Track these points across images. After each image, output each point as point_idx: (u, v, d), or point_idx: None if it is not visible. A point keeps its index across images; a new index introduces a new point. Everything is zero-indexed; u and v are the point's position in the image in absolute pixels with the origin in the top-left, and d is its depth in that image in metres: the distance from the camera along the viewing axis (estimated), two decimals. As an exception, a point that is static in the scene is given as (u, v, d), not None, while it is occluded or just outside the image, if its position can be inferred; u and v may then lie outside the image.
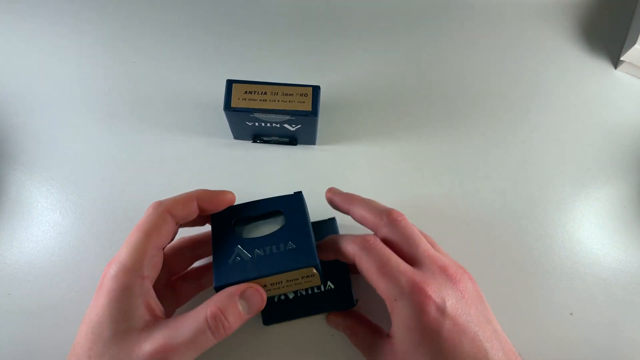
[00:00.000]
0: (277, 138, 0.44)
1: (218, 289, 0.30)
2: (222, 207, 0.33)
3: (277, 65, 0.48)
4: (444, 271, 0.30)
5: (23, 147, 0.44)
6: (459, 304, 0.29)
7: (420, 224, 0.35)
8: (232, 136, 0.44)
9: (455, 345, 0.28)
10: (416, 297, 0.28)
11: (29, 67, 0.47)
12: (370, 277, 0.30)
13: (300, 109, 0.38)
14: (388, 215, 0.33)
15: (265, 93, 0.38)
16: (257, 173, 0.44)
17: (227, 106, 0.38)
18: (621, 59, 0.48)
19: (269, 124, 0.40)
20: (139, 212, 0.43)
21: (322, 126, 0.45)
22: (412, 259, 0.31)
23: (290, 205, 0.33)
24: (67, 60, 0.47)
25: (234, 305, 0.29)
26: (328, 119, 0.46)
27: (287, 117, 0.38)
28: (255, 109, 0.38)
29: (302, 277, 0.31)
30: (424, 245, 0.32)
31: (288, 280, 0.31)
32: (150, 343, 0.27)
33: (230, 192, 0.34)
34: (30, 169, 0.43)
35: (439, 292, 0.29)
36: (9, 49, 0.47)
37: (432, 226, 0.43)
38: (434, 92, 0.48)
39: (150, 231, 0.30)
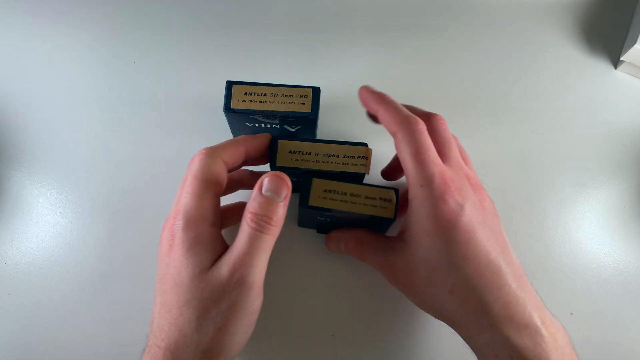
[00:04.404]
0: (277, 138, 0.44)
1: (273, 142, 0.34)
2: (263, 149, 0.35)
3: (277, 66, 0.48)
4: (468, 179, 0.31)
5: (23, 147, 0.44)
6: (477, 208, 0.30)
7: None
8: (232, 136, 0.44)
9: (470, 238, 0.29)
10: (442, 188, 0.29)
11: (29, 67, 0.47)
12: (404, 158, 0.31)
13: (300, 110, 0.38)
14: (432, 117, 0.34)
15: (265, 94, 0.38)
16: (257, 173, 0.44)
17: (227, 107, 0.38)
18: (621, 59, 0.48)
19: (269, 125, 0.40)
20: (139, 212, 0.43)
21: (322, 126, 0.45)
22: (444, 156, 0.32)
23: None
24: (67, 60, 0.47)
25: (262, 199, 0.29)
26: (328, 119, 0.46)
27: (287, 118, 0.38)
28: (255, 110, 0.38)
29: (346, 157, 0.34)
30: (456, 153, 0.33)
31: (333, 155, 0.34)
32: (223, 269, 0.29)
33: (267, 134, 0.36)
34: (30, 169, 0.43)
35: (461, 191, 0.30)
36: (9, 49, 0.47)
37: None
38: (434, 92, 0.48)
39: (210, 178, 0.31)
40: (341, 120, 0.46)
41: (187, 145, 0.45)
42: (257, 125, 0.41)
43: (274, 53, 0.48)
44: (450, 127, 0.46)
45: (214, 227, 0.30)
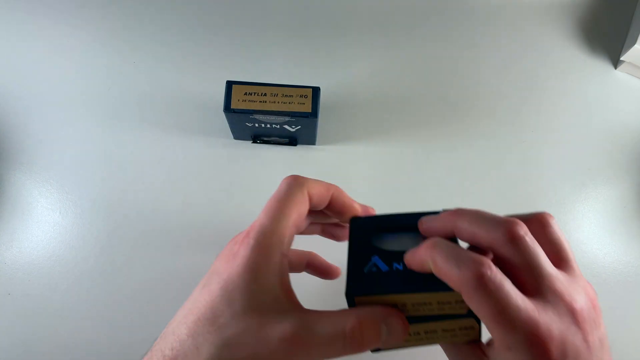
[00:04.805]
0: (277, 138, 0.44)
1: (349, 297, 0.27)
2: (348, 213, 0.31)
3: (277, 66, 0.48)
4: (571, 312, 0.24)
5: (23, 147, 0.44)
6: (581, 355, 0.23)
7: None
8: (232, 136, 0.44)
9: None
10: (535, 351, 0.22)
11: (29, 67, 0.47)
12: (481, 317, 0.24)
13: (300, 110, 0.38)
14: (507, 231, 0.25)
15: (265, 94, 0.38)
16: (257, 173, 0.44)
17: (227, 107, 0.38)
18: (621, 59, 0.48)
19: (268, 125, 0.40)
20: (138, 212, 0.43)
21: (322, 126, 0.45)
22: (532, 288, 0.24)
23: None
24: (67, 60, 0.47)
25: (376, 327, 0.25)
26: (328, 119, 0.46)
27: (287, 119, 0.38)
28: (255, 110, 0.38)
29: (441, 303, 0.26)
30: (549, 273, 0.24)
31: (423, 304, 0.27)
32: (282, 328, 0.24)
33: (368, 207, 0.31)
34: (30, 169, 0.43)
35: (561, 344, 0.23)
36: (9, 49, 0.47)
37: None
38: (434, 92, 0.48)
39: (292, 205, 0.27)
40: (341, 120, 0.46)
41: (187, 145, 0.45)
42: (257, 125, 0.41)
43: (274, 53, 0.48)
44: (451, 127, 0.47)
45: (285, 257, 0.27)
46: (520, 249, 0.24)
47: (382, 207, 0.45)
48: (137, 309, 0.41)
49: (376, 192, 0.44)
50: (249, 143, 0.45)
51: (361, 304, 0.26)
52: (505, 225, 0.25)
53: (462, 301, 0.24)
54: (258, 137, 0.44)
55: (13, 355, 0.39)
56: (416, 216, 0.29)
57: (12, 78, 0.46)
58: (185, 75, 0.47)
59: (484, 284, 0.22)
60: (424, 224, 0.28)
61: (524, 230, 0.25)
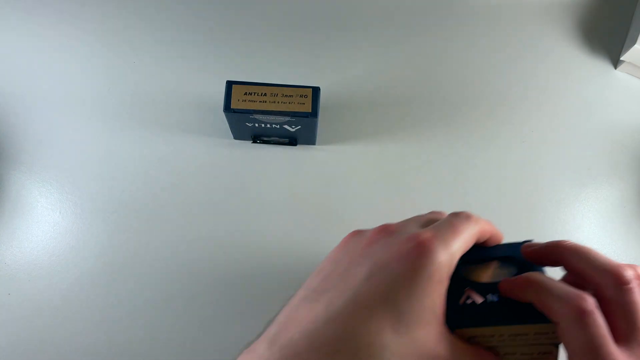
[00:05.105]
0: (277, 138, 0.44)
1: (450, 329, 0.27)
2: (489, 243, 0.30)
3: (277, 66, 0.48)
4: None
5: (23, 147, 0.44)
6: None
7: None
8: (232, 136, 0.44)
9: None
10: None
11: (29, 67, 0.47)
12: (570, 351, 0.24)
13: (300, 110, 0.38)
14: (618, 277, 0.25)
15: (265, 94, 0.38)
16: (257, 173, 0.44)
17: (227, 107, 0.38)
18: (621, 59, 0.48)
19: (268, 125, 0.40)
20: (138, 212, 0.43)
21: (322, 126, 0.45)
22: (624, 336, 0.25)
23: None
24: (67, 61, 0.47)
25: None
26: (328, 119, 0.46)
27: (287, 119, 0.38)
28: (255, 110, 0.38)
29: (538, 334, 0.27)
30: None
31: (521, 334, 0.27)
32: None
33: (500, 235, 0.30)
34: (30, 169, 0.43)
35: None
36: (9, 49, 0.47)
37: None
38: (434, 92, 0.48)
39: (469, 242, 0.27)
40: (341, 120, 0.46)
41: (187, 145, 0.45)
42: (257, 125, 0.41)
43: (274, 53, 0.48)
44: (451, 127, 0.47)
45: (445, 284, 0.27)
46: (625, 295, 0.25)
47: (382, 207, 0.45)
48: (136, 309, 0.41)
49: (376, 192, 0.44)
50: (249, 143, 0.45)
51: (459, 335, 0.26)
52: (619, 269, 0.25)
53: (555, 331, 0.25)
54: (258, 137, 0.44)
55: (13, 355, 0.39)
56: (505, 247, 0.30)
57: (13, 78, 0.46)
58: (185, 75, 0.47)
59: (584, 319, 0.23)
60: (529, 249, 0.28)
61: (635, 280, 0.25)
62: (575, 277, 0.27)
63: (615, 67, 0.49)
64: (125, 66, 0.47)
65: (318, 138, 0.44)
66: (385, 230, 0.27)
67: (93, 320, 0.40)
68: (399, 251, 0.24)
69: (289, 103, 0.38)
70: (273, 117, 0.38)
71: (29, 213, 0.42)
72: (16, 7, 0.48)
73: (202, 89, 0.46)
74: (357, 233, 0.28)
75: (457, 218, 0.27)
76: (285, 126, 0.40)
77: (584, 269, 0.26)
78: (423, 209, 0.44)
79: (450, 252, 0.25)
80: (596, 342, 0.23)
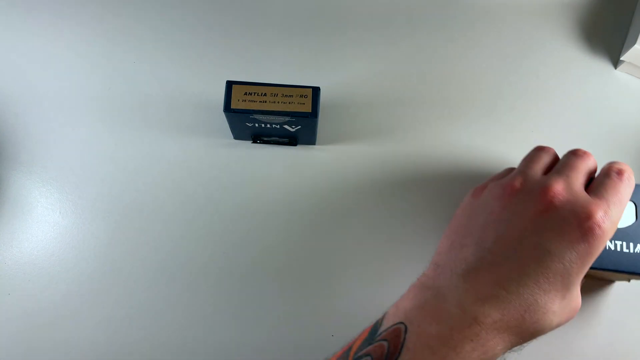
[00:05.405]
0: (277, 138, 0.44)
1: None
2: None
3: (277, 66, 0.48)
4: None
5: (23, 147, 0.44)
6: None
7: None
8: (232, 136, 0.45)
9: None
10: None
11: (29, 67, 0.47)
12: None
13: (300, 110, 0.38)
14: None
15: (265, 94, 0.38)
16: (257, 173, 0.44)
17: (227, 108, 0.38)
18: (621, 59, 0.48)
19: (269, 125, 0.40)
20: (138, 212, 0.43)
21: (322, 126, 0.45)
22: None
23: None
24: (67, 60, 0.47)
25: None
26: (328, 119, 0.46)
27: (287, 119, 0.38)
28: (255, 110, 0.38)
29: None
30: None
31: None
32: None
33: None
34: (30, 169, 0.44)
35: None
36: (9, 49, 0.47)
37: (432, 227, 0.43)
38: (434, 92, 0.48)
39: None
40: (341, 120, 0.46)
41: (187, 145, 0.45)
42: (257, 125, 0.41)
43: (274, 53, 0.48)
44: (451, 127, 0.47)
45: None
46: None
47: (382, 207, 0.45)
48: (137, 309, 0.41)
49: (376, 192, 0.44)
50: (249, 143, 0.45)
51: None
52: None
53: None
54: (258, 137, 0.44)
55: (13, 355, 0.39)
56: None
57: (13, 78, 0.46)
58: (185, 75, 0.47)
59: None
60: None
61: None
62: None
63: (615, 67, 0.49)
64: (125, 66, 0.47)
65: (318, 138, 0.44)
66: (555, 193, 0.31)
67: (93, 320, 0.40)
68: (581, 228, 0.28)
69: (289, 103, 0.38)
70: (273, 117, 0.38)
71: (29, 213, 0.42)
72: (15, 6, 0.48)
73: (202, 89, 0.46)
74: (512, 190, 0.33)
75: (622, 182, 0.31)
76: (285, 126, 0.40)
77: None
78: (423, 209, 0.44)
79: (615, 226, 0.30)
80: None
